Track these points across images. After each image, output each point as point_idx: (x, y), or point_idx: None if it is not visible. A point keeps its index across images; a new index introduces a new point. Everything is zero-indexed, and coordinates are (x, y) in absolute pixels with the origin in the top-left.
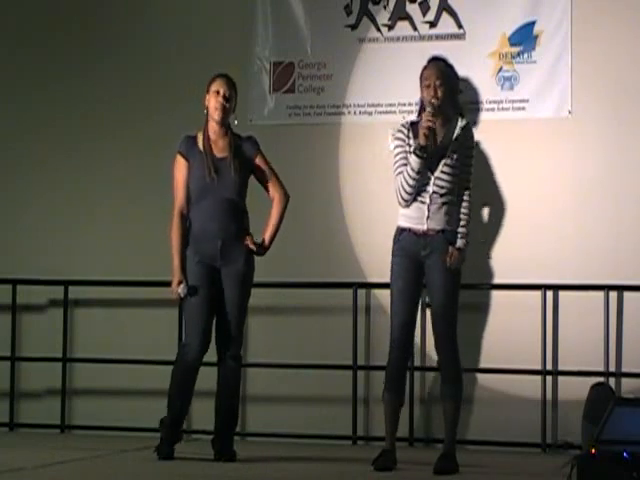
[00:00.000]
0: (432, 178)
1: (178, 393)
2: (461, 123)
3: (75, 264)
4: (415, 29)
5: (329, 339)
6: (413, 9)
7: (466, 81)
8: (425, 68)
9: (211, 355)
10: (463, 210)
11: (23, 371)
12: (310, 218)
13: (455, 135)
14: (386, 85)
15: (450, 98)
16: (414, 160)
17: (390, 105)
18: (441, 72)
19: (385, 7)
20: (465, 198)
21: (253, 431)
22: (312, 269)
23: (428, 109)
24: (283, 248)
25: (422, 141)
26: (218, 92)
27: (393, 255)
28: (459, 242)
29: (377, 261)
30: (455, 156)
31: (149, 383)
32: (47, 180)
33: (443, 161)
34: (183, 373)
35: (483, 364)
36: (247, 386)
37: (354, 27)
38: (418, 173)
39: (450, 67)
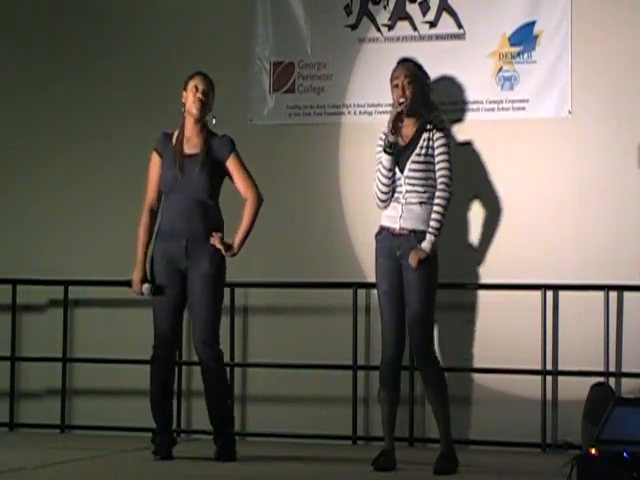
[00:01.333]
0: (402, 177)
1: (160, 399)
2: (433, 133)
3: (75, 264)
4: (415, 29)
5: (329, 339)
6: (413, 9)
7: (466, 81)
8: (394, 69)
9: None
10: (435, 207)
11: (23, 371)
12: (310, 218)
13: (423, 135)
14: (386, 85)
15: (421, 97)
16: (384, 157)
17: (390, 105)
18: (409, 71)
19: (385, 7)
20: (438, 194)
21: (253, 431)
22: (312, 269)
23: (400, 108)
24: (283, 248)
25: (390, 138)
26: (197, 88)
27: (376, 255)
28: (425, 241)
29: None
30: (424, 153)
31: (148, 383)
32: (47, 180)
33: (411, 159)
34: (161, 377)
35: (483, 364)
36: (247, 386)
37: (354, 27)
38: (390, 170)
39: (419, 67)
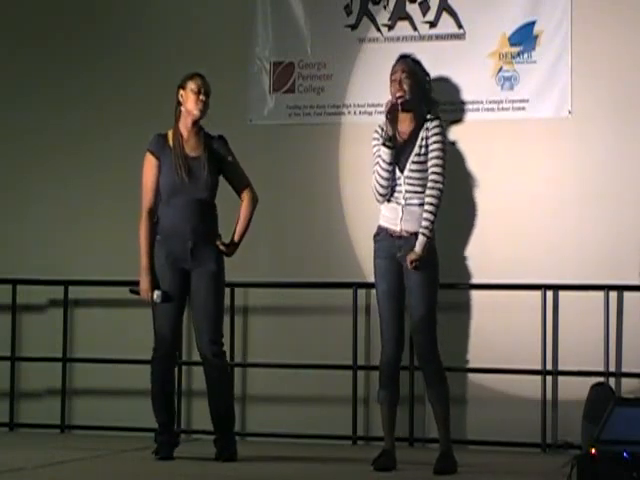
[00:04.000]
0: (402, 177)
1: (160, 399)
2: (428, 124)
3: (75, 264)
4: (415, 29)
5: (329, 339)
6: (413, 9)
7: (466, 81)
8: (393, 65)
9: None
10: (425, 207)
11: (23, 371)
12: (310, 218)
13: (422, 134)
14: (386, 85)
15: (418, 93)
16: (383, 151)
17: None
18: (407, 67)
19: (385, 7)
20: (428, 192)
21: (253, 431)
22: (312, 269)
23: (398, 102)
24: (283, 248)
25: (389, 131)
26: (199, 90)
27: (375, 256)
28: (417, 243)
29: None
30: (423, 152)
31: (149, 383)
32: (47, 180)
33: (410, 159)
34: (161, 379)
35: (483, 364)
36: (247, 386)
37: (354, 27)
38: (389, 164)
39: (417, 63)
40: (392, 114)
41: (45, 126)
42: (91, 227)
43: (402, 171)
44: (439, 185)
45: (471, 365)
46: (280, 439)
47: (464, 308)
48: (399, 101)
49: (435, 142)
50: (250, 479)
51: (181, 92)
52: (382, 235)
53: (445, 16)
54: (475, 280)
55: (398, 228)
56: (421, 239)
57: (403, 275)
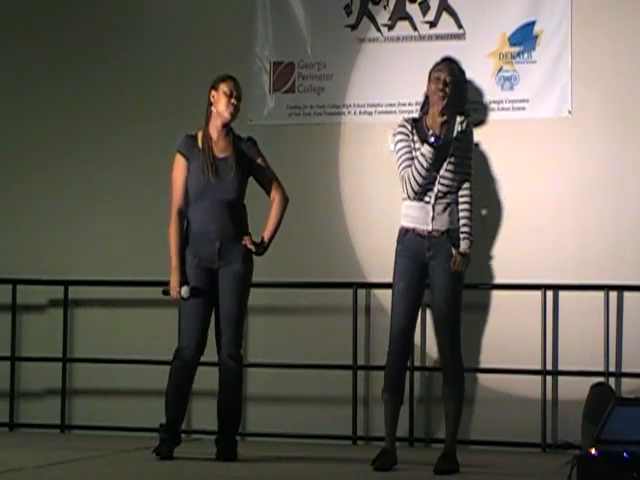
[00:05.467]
0: (437, 177)
1: (176, 396)
2: (460, 120)
3: (75, 264)
4: (415, 29)
5: (329, 339)
6: (413, 9)
7: (466, 81)
8: (437, 64)
9: (211, 355)
10: (463, 209)
11: (23, 371)
12: (310, 218)
13: (455, 134)
14: (386, 85)
15: (455, 98)
16: (427, 149)
17: (390, 105)
18: (452, 70)
19: (385, 7)
20: (465, 197)
21: (253, 431)
22: (312, 269)
23: (437, 99)
24: (283, 248)
25: (438, 131)
26: (231, 94)
27: (397, 255)
28: (463, 245)
29: (377, 261)
30: (457, 154)
31: (149, 383)
32: (47, 180)
33: (447, 160)
34: (180, 376)
35: (483, 364)
36: (247, 386)
37: (354, 27)
38: (432, 164)
39: (462, 72)
40: (447, 112)
41: (45, 127)
42: (91, 227)
43: (438, 171)
44: (472, 187)
45: (472, 365)
46: (280, 439)
47: (464, 308)
48: (436, 98)
49: (469, 150)
50: (250, 479)
51: (213, 93)
52: (408, 236)
53: (445, 16)
54: (475, 280)
55: (429, 227)
56: (466, 242)
57: (424, 276)
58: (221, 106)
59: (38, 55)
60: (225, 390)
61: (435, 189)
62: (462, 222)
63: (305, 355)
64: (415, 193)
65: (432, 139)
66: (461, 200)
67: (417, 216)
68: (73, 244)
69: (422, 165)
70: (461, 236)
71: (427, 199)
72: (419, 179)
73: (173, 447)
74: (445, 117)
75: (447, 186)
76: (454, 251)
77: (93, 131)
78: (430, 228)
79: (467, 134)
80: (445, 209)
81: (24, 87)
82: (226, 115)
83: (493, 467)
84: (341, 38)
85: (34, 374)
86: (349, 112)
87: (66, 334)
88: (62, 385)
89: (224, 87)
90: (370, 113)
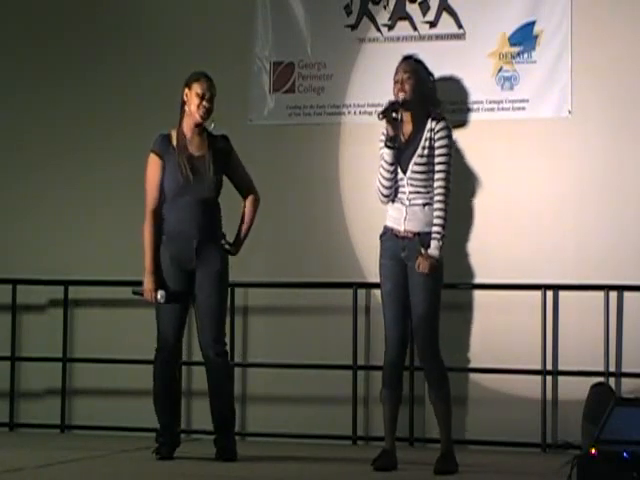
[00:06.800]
0: (405, 178)
1: (162, 399)
2: (433, 124)
3: (75, 264)
4: (415, 29)
5: (329, 339)
6: (413, 9)
7: (466, 81)
8: (396, 67)
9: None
10: (436, 208)
11: (23, 371)
12: (310, 218)
13: (425, 135)
14: (386, 85)
15: (420, 93)
16: (385, 152)
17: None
18: (410, 67)
19: (385, 7)
20: (437, 198)
21: (253, 431)
22: (312, 269)
23: (392, 100)
24: (283, 248)
25: (390, 131)
26: (203, 96)
27: (380, 256)
28: (431, 246)
29: (377, 261)
30: (426, 154)
31: (149, 383)
32: (47, 180)
33: (413, 160)
34: (163, 378)
35: (483, 364)
36: (247, 386)
37: (354, 27)
38: (391, 165)
39: (419, 63)
40: (388, 114)
41: (45, 127)
42: (91, 227)
43: (405, 172)
44: (446, 186)
45: (471, 365)
46: (280, 439)
47: (464, 308)
48: (400, 99)
49: (442, 145)
50: (250, 479)
51: (186, 91)
52: (387, 235)
53: (445, 16)
54: (475, 280)
55: (402, 228)
56: (435, 243)
57: (406, 275)
58: (192, 107)
59: (38, 55)
60: (215, 389)
61: (406, 190)
62: (434, 222)
63: (305, 355)
64: (384, 196)
65: (385, 139)
66: (435, 199)
67: (394, 216)
68: (73, 244)
69: (383, 167)
70: (431, 237)
71: (402, 200)
72: (383, 181)
73: (172, 450)
74: (383, 117)
75: (418, 186)
76: (423, 253)
77: (93, 131)
78: (403, 229)
79: (441, 136)
80: (419, 210)
81: (24, 87)
82: (197, 116)
83: (493, 467)
84: (341, 38)
85: (34, 374)
86: (349, 112)
87: (66, 334)
88: (62, 385)
89: (197, 88)
90: (370, 113)
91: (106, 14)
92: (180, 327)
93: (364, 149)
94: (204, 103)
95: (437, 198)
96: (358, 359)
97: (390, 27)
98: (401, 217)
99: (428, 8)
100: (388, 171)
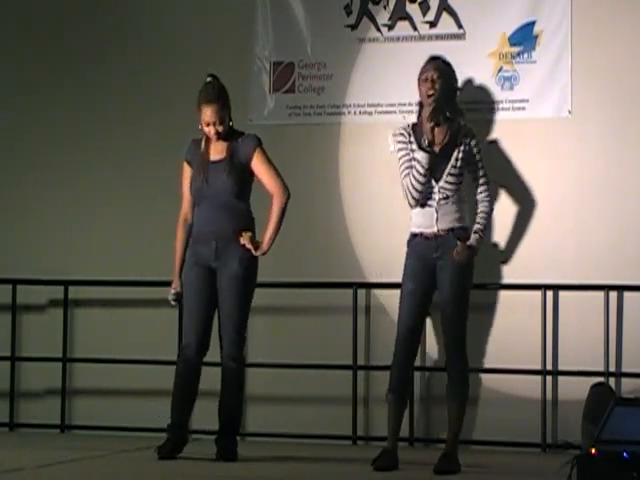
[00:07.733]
0: (437, 186)
1: (180, 397)
2: (467, 139)
3: (75, 264)
4: (415, 29)
5: (329, 339)
6: (413, 9)
7: (466, 81)
8: (423, 65)
9: (211, 355)
10: (481, 213)
11: (23, 371)
12: (310, 218)
13: (460, 148)
14: (386, 85)
15: (448, 95)
16: (422, 155)
17: (390, 105)
18: (439, 67)
19: (385, 7)
20: (482, 195)
21: (253, 431)
22: (312, 269)
23: (429, 102)
24: (283, 248)
25: (429, 136)
26: (210, 122)
27: (406, 257)
28: (472, 238)
29: (377, 261)
30: (459, 165)
31: (149, 383)
32: (47, 180)
33: (447, 170)
34: (184, 376)
35: (483, 364)
36: (247, 386)
37: (354, 27)
38: (428, 170)
39: (448, 65)
40: (437, 117)
41: (45, 126)
42: (91, 227)
43: (437, 181)
44: (490, 193)
45: (471, 365)
46: (280, 439)
47: None
48: (429, 100)
49: (478, 160)
50: (250, 479)
51: (198, 111)
52: (417, 239)
53: (445, 16)
54: (475, 280)
55: (435, 229)
56: (475, 236)
57: (432, 278)
58: (204, 129)
59: (38, 55)
60: (225, 391)
61: (437, 197)
62: (477, 220)
63: (305, 355)
64: (415, 200)
65: (425, 144)
66: (480, 199)
67: (423, 222)
68: (73, 244)
69: (419, 172)
70: (472, 229)
71: (431, 204)
72: (417, 185)
73: (176, 447)
74: (433, 123)
75: (449, 196)
76: (459, 244)
77: (93, 131)
78: (436, 229)
79: (472, 145)
80: (449, 209)
81: (24, 87)
82: (209, 137)
83: (493, 467)
84: (341, 38)
85: (34, 374)
86: (349, 112)
87: (66, 334)
88: (62, 385)
89: (203, 115)
90: (370, 113)
91: (106, 14)
92: (201, 327)
93: (364, 149)
94: (211, 129)
95: (484, 202)
96: (358, 359)
97: (390, 27)
98: (432, 219)
99: (428, 8)
100: (424, 176)
